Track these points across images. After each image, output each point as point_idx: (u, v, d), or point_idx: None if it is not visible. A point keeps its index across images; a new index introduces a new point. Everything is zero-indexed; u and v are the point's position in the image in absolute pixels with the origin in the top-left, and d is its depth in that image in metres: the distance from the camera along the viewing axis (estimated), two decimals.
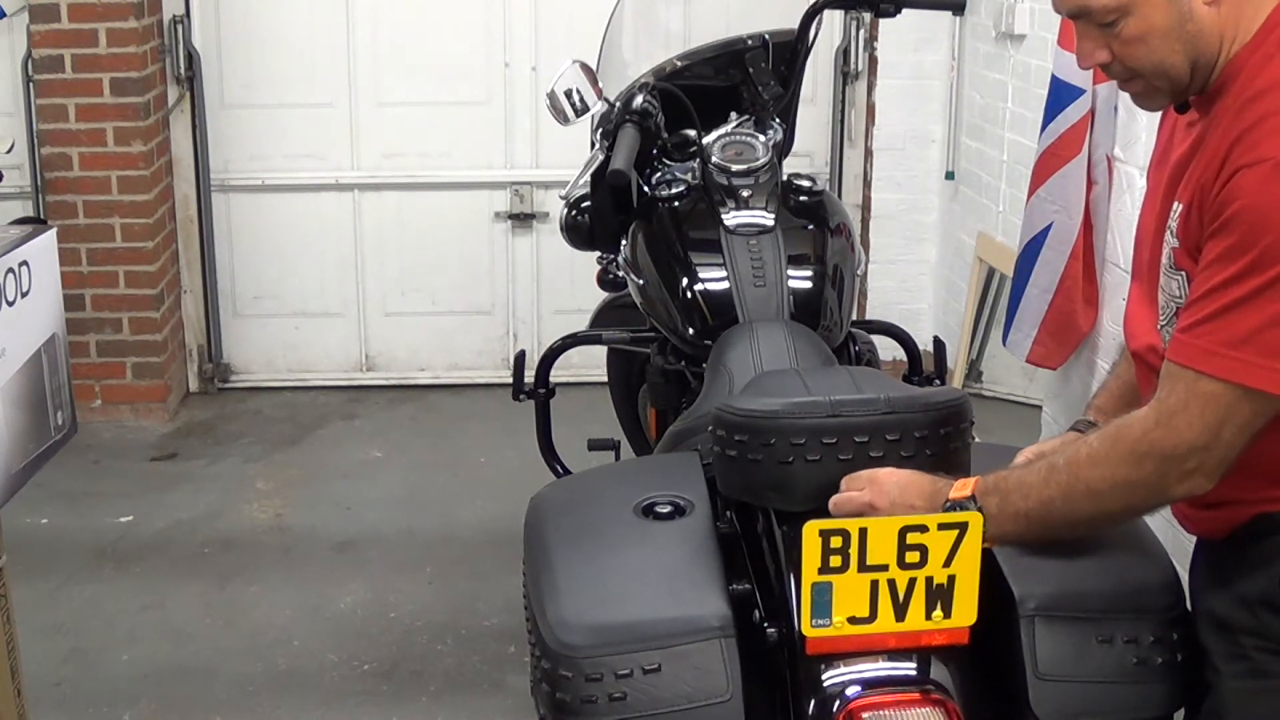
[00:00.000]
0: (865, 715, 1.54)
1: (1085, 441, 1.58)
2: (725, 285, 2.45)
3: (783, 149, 2.74)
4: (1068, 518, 1.58)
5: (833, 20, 4.75)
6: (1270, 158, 1.43)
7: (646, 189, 2.68)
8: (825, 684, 1.58)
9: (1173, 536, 1.91)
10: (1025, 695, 1.58)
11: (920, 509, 1.60)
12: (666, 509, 1.78)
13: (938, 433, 1.68)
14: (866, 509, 1.61)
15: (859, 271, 2.64)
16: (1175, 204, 1.60)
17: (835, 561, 1.53)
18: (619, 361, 3.06)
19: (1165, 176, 1.66)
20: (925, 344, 3.03)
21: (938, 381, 2.71)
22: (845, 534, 1.53)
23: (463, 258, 4.92)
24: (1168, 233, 1.61)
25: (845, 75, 4.82)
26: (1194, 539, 1.73)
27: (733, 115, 2.77)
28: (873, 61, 4.79)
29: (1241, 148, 1.47)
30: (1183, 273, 1.57)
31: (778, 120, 2.73)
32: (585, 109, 2.66)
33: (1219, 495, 1.56)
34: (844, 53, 4.80)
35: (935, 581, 1.55)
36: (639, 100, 2.63)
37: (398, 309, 4.96)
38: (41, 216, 4.45)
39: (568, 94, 2.64)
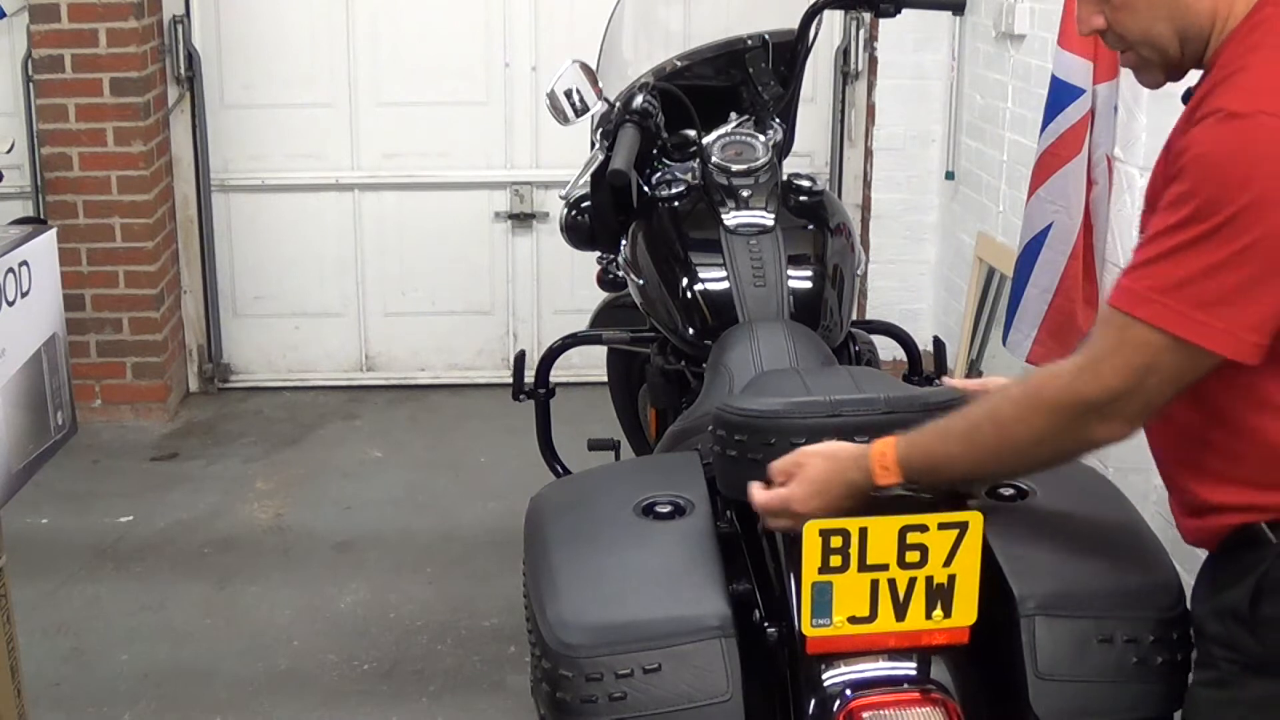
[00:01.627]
0: (865, 715, 1.54)
1: (1007, 395, 1.55)
2: (725, 285, 2.45)
3: (783, 149, 2.74)
4: (998, 473, 1.63)
5: (833, 20, 4.75)
6: (1224, 108, 1.42)
7: (646, 189, 2.68)
8: (825, 684, 1.58)
9: (1173, 536, 1.91)
10: (1025, 695, 1.58)
11: (848, 507, 1.60)
12: (666, 509, 1.78)
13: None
14: (785, 512, 1.63)
15: (859, 271, 2.64)
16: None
17: (835, 561, 1.53)
18: (619, 361, 3.06)
19: None
20: (925, 344, 3.03)
21: (938, 382, 2.71)
22: (845, 534, 1.53)
23: (463, 258, 4.92)
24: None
25: (845, 75, 4.82)
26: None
27: (733, 115, 2.77)
28: (873, 61, 4.79)
29: (1204, 104, 1.46)
30: None
31: (778, 120, 2.73)
32: (585, 109, 2.66)
33: (1204, 501, 1.56)
34: (844, 53, 4.80)
35: (935, 581, 1.55)
36: (639, 100, 2.63)
37: (398, 309, 4.96)
38: (41, 216, 4.45)
39: (568, 94, 2.64)
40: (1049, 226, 3.22)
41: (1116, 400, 1.46)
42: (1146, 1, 1.54)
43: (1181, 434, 1.59)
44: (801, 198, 2.61)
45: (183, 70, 4.67)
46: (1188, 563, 1.73)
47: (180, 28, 4.64)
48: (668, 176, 2.66)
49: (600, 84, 2.66)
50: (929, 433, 1.59)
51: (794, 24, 2.78)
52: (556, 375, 2.81)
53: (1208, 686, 1.56)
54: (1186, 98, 1.61)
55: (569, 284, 4.77)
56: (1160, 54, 1.57)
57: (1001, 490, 1.80)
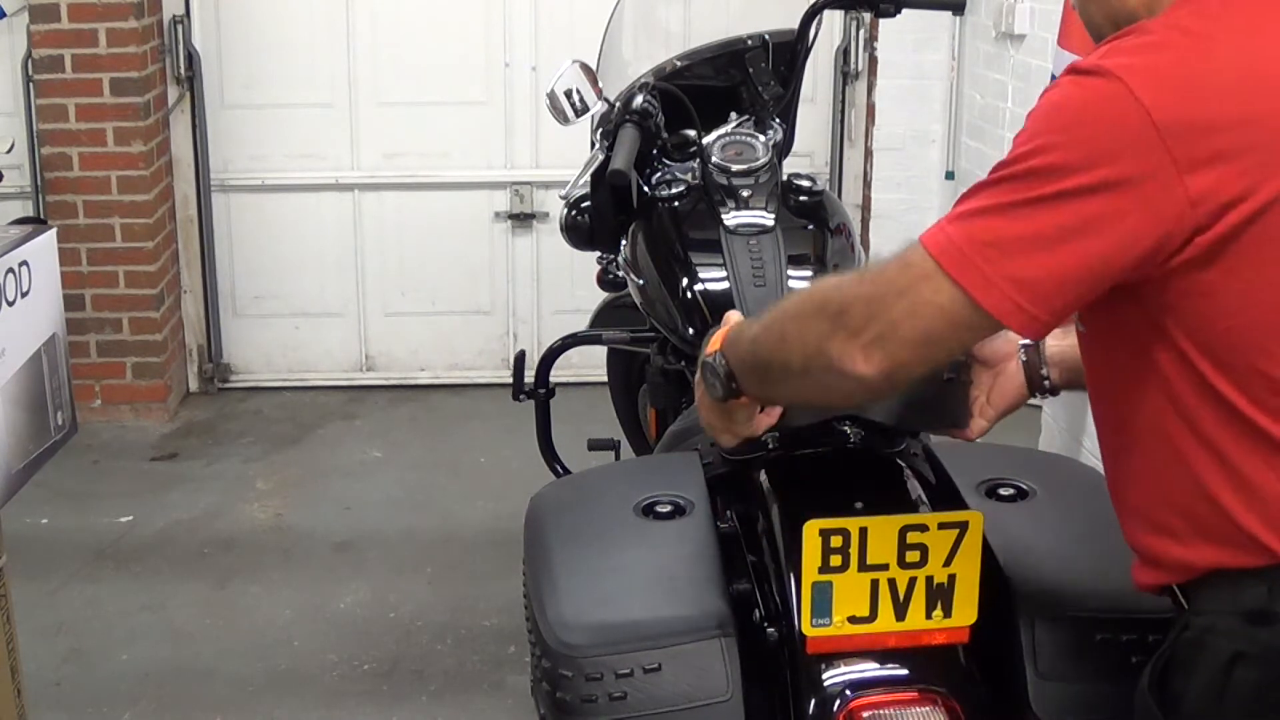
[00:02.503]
0: (865, 715, 1.54)
1: (803, 290, 1.50)
2: (725, 285, 2.45)
3: (783, 149, 2.73)
4: (767, 359, 1.46)
5: (833, 20, 4.75)
6: (1087, 69, 1.31)
7: (646, 189, 2.67)
8: (825, 684, 1.58)
9: None
10: (1025, 695, 1.58)
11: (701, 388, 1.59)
12: (666, 509, 1.78)
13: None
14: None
15: None
16: None
17: (835, 561, 1.53)
18: (619, 361, 3.06)
19: None
20: None
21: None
22: (845, 533, 1.53)
23: (463, 258, 4.92)
24: None
25: (845, 75, 4.82)
26: None
27: (733, 115, 2.77)
28: (873, 61, 4.79)
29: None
30: None
31: (778, 120, 2.73)
32: (585, 109, 2.65)
33: (1133, 544, 1.47)
34: (844, 53, 4.80)
35: (935, 581, 1.55)
36: (639, 100, 2.63)
37: (398, 309, 4.96)
38: (41, 216, 4.45)
39: (568, 94, 2.64)
40: None
41: (860, 314, 1.32)
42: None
43: (1118, 463, 1.46)
44: (801, 198, 2.61)
45: (183, 70, 4.67)
46: None
47: (180, 28, 4.64)
48: (668, 176, 2.66)
49: (600, 84, 2.66)
50: (758, 315, 1.51)
51: (794, 24, 2.77)
52: (556, 375, 2.81)
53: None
54: None
55: (569, 284, 4.77)
56: (1097, 36, 1.48)
57: (1001, 490, 1.81)
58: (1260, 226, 1.25)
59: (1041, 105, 1.35)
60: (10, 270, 1.98)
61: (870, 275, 1.36)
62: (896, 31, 4.57)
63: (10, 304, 1.98)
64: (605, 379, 3.14)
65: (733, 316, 1.65)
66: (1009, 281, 1.27)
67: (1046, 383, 1.76)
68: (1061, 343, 1.74)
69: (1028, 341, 1.74)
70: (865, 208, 4.89)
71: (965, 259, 1.29)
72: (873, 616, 1.55)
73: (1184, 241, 1.26)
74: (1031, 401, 3.82)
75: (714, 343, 1.57)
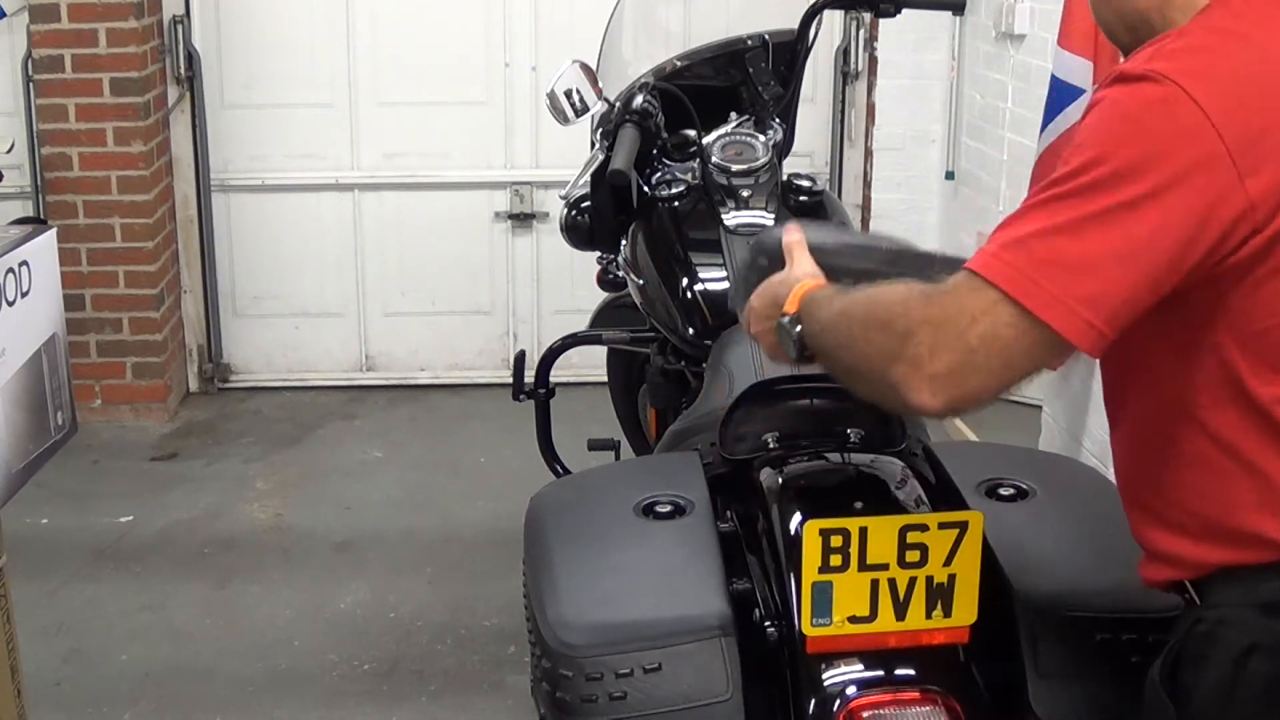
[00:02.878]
0: (865, 714, 1.54)
1: (882, 289, 1.38)
2: (725, 285, 2.45)
3: (783, 149, 2.73)
4: (834, 353, 1.43)
5: (833, 20, 4.75)
6: (1135, 74, 1.28)
7: (646, 189, 2.68)
8: (825, 683, 1.58)
9: None
10: (1025, 695, 1.58)
11: (768, 327, 1.55)
12: (666, 509, 1.78)
13: None
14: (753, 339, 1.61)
15: None
16: None
17: (835, 561, 1.53)
18: (619, 361, 3.06)
19: None
20: None
21: None
22: (845, 533, 1.53)
23: (463, 258, 4.92)
24: None
25: (845, 75, 4.82)
26: None
27: (733, 115, 2.77)
28: (873, 61, 4.79)
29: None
30: None
31: (778, 120, 2.73)
32: (585, 109, 2.65)
33: (1143, 542, 1.49)
34: (844, 53, 4.80)
35: (935, 580, 1.55)
36: (639, 100, 2.63)
37: (398, 309, 4.96)
38: (41, 216, 4.45)
39: (568, 94, 2.64)
40: None
41: (927, 343, 1.27)
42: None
43: (1133, 461, 1.47)
44: (801, 198, 2.61)
45: (183, 70, 4.67)
46: None
47: (180, 28, 4.64)
48: (668, 176, 2.66)
49: (600, 84, 2.66)
50: (837, 291, 1.46)
51: (794, 24, 2.78)
52: (556, 375, 2.81)
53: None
54: None
55: (569, 284, 4.77)
56: (1113, 38, 1.50)
57: (1001, 490, 1.81)
58: None
59: (1093, 116, 1.31)
60: (10, 270, 1.98)
61: (937, 299, 1.29)
62: (896, 31, 4.57)
63: (10, 304, 1.98)
64: (605, 379, 3.14)
65: (799, 266, 1.57)
66: (1080, 302, 1.24)
67: None
68: None
69: None
70: (865, 208, 4.89)
71: (1031, 283, 1.25)
72: (873, 616, 1.55)
73: (1240, 242, 1.25)
74: (1032, 401, 3.82)
75: (791, 303, 1.50)
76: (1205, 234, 1.24)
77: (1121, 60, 1.44)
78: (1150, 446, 1.42)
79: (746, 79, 2.77)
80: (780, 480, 1.80)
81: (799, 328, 1.48)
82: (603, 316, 3.06)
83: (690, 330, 2.47)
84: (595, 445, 3.03)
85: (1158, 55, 1.29)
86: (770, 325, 1.55)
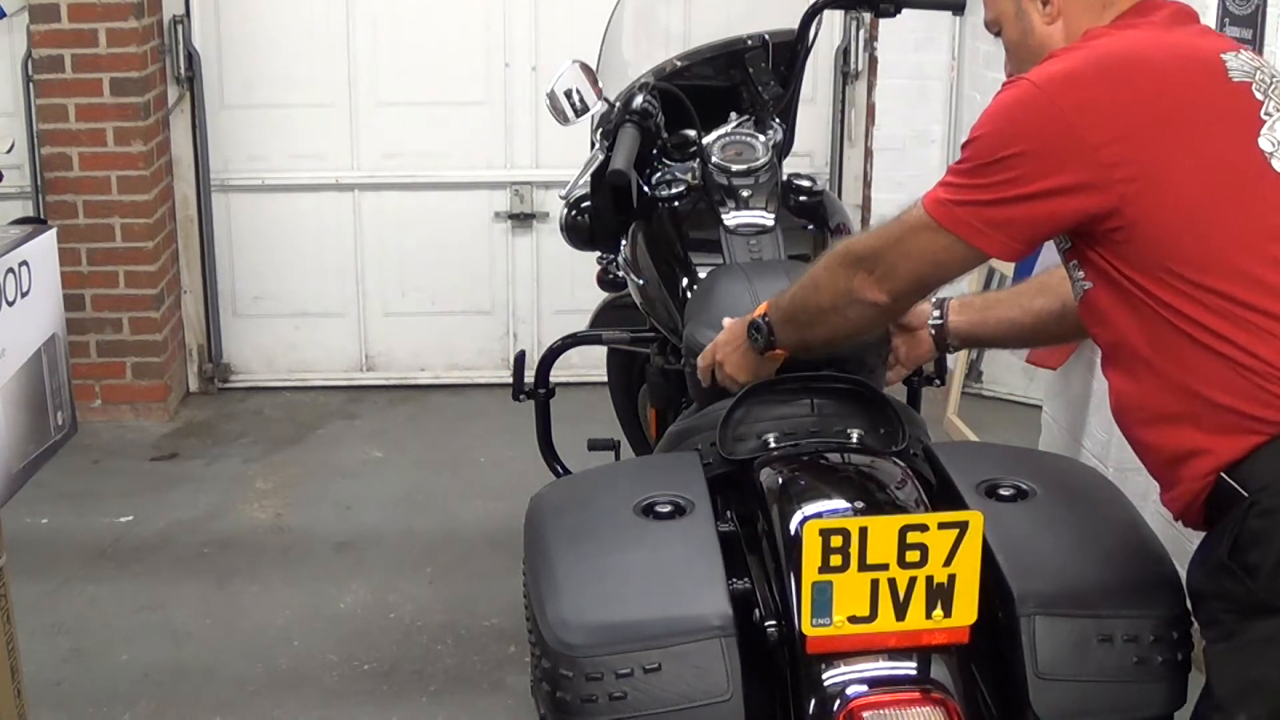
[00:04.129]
0: (865, 715, 1.54)
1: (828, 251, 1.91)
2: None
3: (783, 149, 2.73)
4: (804, 303, 1.90)
5: (833, 20, 4.75)
6: (1010, 82, 1.72)
7: (646, 189, 2.68)
8: (825, 683, 1.58)
9: (1172, 535, 1.91)
10: (1025, 694, 1.58)
11: (736, 344, 2.01)
12: (666, 509, 1.78)
13: (862, 360, 2.11)
14: (716, 367, 2.06)
15: None
16: None
17: (835, 561, 1.53)
18: (619, 361, 3.06)
19: None
20: None
21: (938, 382, 2.71)
22: (845, 533, 1.53)
23: (463, 258, 4.92)
24: None
25: (845, 75, 4.82)
26: (1195, 541, 1.74)
27: (733, 115, 2.77)
28: (873, 61, 4.79)
29: None
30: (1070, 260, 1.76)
31: (778, 120, 2.73)
32: (585, 109, 2.65)
33: (1163, 454, 1.68)
34: (844, 53, 4.80)
35: (935, 581, 1.55)
36: (639, 100, 2.63)
37: (398, 309, 4.96)
38: (41, 216, 4.45)
39: (568, 94, 2.64)
40: None
41: (874, 255, 1.78)
42: (1015, 46, 1.86)
43: (1130, 393, 1.71)
44: (801, 198, 2.61)
45: (183, 70, 4.67)
46: (1187, 562, 1.73)
47: (180, 28, 4.64)
48: (668, 176, 2.66)
49: (600, 84, 2.66)
50: (794, 286, 1.94)
51: (794, 24, 2.78)
52: (556, 375, 2.81)
53: (1215, 642, 1.61)
54: None
55: (569, 284, 4.77)
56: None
57: (1001, 490, 1.81)
58: None
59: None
60: (10, 270, 1.98)
61: (882, 229, 1.80)
62: (896, 31, 4.57)
63: (10, 304, 1.99)
64: (605, 379, 3.14)
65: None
66: (992, 226, 1.68)
67: (950, 344, 2.23)
68: (959, 318, 2.19)
69: (936, 319, 2.20)
70: (865, 208, 4.88)
71: (955, 217, 1.70)
72: (873, 616, 1.55)
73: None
74: (1032, 401, 3.82)
75: (760, 308, 1.97)
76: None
77: None
78: (1154, 362, 1.65)
79: (746, 79, 2.77)
80: (780, 480, 1.81)
81: (766, 319, 1.95)
82: (603, 316, 3.06)
83: None
84: (595, 445, 3.02)
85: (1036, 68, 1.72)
86: (737, 347, 2.01)
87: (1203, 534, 1.70)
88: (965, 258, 1.71)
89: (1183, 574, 1.70)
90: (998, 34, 1.88)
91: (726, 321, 2.07)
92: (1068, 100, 1.63)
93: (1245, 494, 1.58)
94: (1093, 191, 1.61)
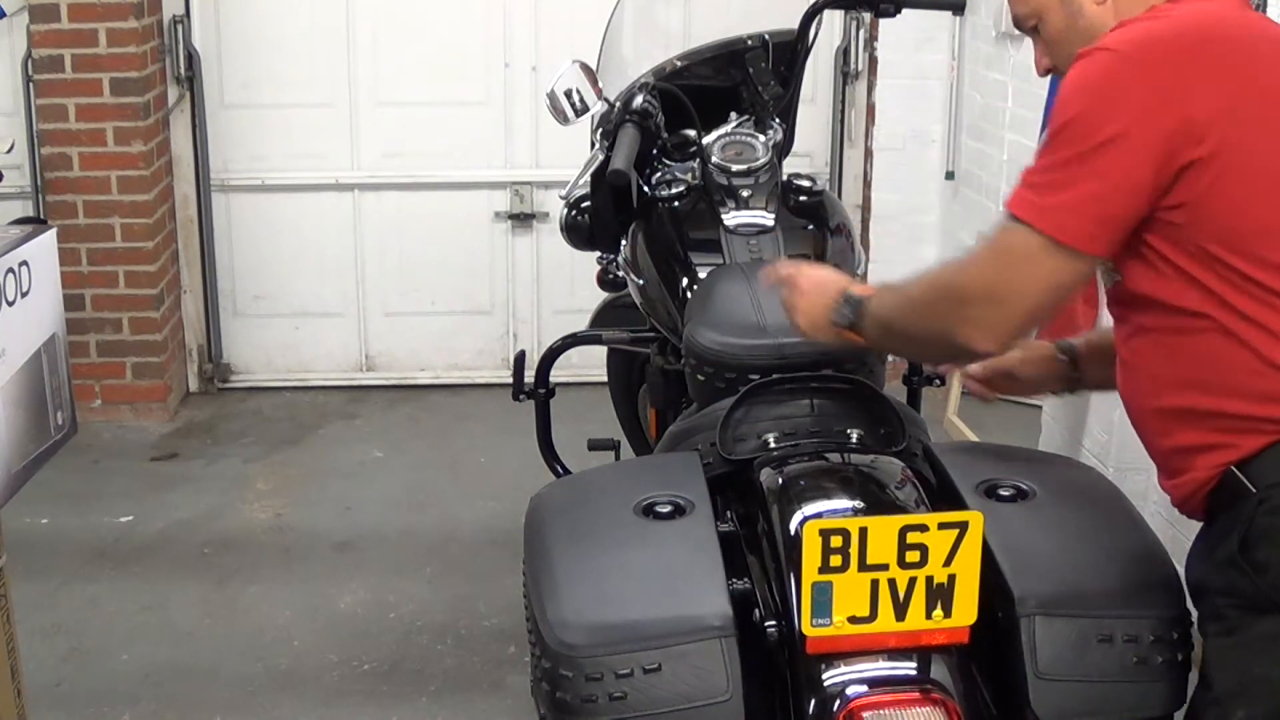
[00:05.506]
0: (865, 715, 1.54)
1: (934, 269, 1.76)
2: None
3: (783, 149, 2.74)
4: (896, 324, 1.78)
5: (833, 20, 4.75)
6: (1087, 53, 1.61)
7: (646, 189, 2.68)
8: (825, 683, 1.58)
9: (1172, 536, 1.91)
10: (1025, 695, 1.58)
11: (821, 297, 1.87)
12: (666, 509, 1.78)
13: (862, 360, 2.07)
14: (788, 303, 1.94)
15: (859, 271, 2.64)
16: None
17: (835, 561, 1.53)
18: (619, 361, 3.06)
19: None
20: None
21: (938, 382, 2.71)
22: (845, 533, 1.53)
23: (463, 258, 4.92)
24: None
25: (845, 75, 4.82)
26: (1193, 536, 1.75)
27: (733, 115, 2.77)
28: (873, 61, 4.79)
29: None
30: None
31: (778, 120, 2.73)
32: (585, 109, 2.66)
33: (1174, 448, 1.66)
34: (844, 53, 4.80)
35: (935, 581, 1.55)
36: (639, 100, 2.63)
37: (398, 309, 4.96)
38: (41, 216, 4.45)
39: (568, 94, 2.64)
40: None
41: (977, 297, 1.63)
42: (1062, 34, 1.75)
43: (1147, 380, 1.69)
44: (801, 198, 2.61)
45: (183, 70, 4.67)
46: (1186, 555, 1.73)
47: (180, 28, 4.64)
48: (668, 176, 2.66)
49: (600, 84, 2.66)
50: (892, 295, 1.80)
51: (794, 24, 2.78)
52: (556, 375, 2.81)
53: (1219, 636, 1.61)
54: None
55: (569, 284, 4.77)
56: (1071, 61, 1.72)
57: (1001, 490, 1.81)
58: None
59: (1061, 87, 1.63)
60: (10, 270, 1.98)
61: (980, 259, 1.64)
62: (896, 31, 4.57)
63: (10, 304, 1.98)
64: (605, 379, 3.14)
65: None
66: (1102, 224, 1.56)
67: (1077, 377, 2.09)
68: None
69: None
70: (865, 208, 4.88)
71: (1065, 224, 1.57)
72: (873, 616, 1.55)
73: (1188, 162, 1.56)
74: (1031, 401, 3.82)
75: (865, 288, 1.85)
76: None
77: None
78: (1182, 348, 1.62)
79: (746, 79, 2.77)
80: (780, 480, 1.81)
81: (860, 304, 1.80)
82: (603, 316, 3.06)
83: None
84: (595, 445, 3.03)
85: (1104, 38, 1.63)
86: (820, 300, 1.87)
87: (1197, 525, 1.71)
88: (1084, 274, 1.61)
89: (1183, 574, 1.70)
90: (1031, 29, 1.79)
91: (820, 276, 1.94)
92: (1163, 68, 1.56)
93: (1254, 490, 1.58)
94: (1186, 167, 1.55)
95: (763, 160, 2.60)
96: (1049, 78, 3.37)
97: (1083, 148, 1.55)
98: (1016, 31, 4.51)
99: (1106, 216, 1.57)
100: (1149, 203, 1.56)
